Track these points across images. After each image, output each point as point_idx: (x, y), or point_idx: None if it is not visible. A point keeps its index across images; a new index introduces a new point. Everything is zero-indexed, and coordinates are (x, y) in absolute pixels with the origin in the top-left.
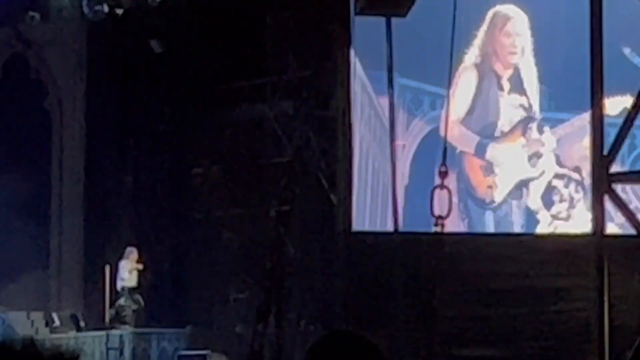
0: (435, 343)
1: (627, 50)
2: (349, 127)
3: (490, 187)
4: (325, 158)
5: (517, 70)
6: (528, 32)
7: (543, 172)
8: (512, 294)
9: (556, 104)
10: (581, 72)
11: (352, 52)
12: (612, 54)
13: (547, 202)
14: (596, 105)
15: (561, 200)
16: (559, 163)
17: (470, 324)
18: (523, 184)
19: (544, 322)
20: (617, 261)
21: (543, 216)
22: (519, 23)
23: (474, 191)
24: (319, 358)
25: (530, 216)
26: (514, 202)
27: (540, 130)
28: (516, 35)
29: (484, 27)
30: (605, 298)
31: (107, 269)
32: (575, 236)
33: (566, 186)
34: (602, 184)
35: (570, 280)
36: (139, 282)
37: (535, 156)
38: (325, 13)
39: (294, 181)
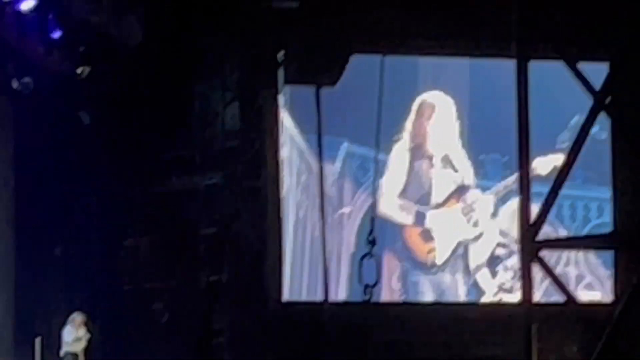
0: None
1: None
2: (278, 196)
3: (430, 251)
4: (255, 228)
5: (447, 152)
6: (454, 116)
7: (482, 234)
8: None
9: (490, 173)
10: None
11: (286, 117)
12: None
13: (492, 272)
14: (523, 176)
15: (505, 270)
16: (502, 233)
17: None
18: (463, 247)
19: None
20: (549, 329)
21: (488, 287)
22: (444, 109)
23: (415, 258)
24: None
25: (475, 287)
26: (458, 271)
27: (475, 195)
28: (443, 122)
29: (412, 116)
30: None
31: (38, 340)
32: (505, 305)
33: (509, 256)
34: (529, 252)
35: (501, 349)
36: (87, 348)
37: (472, 218)
38: (254, 80)
39: (224, 252)
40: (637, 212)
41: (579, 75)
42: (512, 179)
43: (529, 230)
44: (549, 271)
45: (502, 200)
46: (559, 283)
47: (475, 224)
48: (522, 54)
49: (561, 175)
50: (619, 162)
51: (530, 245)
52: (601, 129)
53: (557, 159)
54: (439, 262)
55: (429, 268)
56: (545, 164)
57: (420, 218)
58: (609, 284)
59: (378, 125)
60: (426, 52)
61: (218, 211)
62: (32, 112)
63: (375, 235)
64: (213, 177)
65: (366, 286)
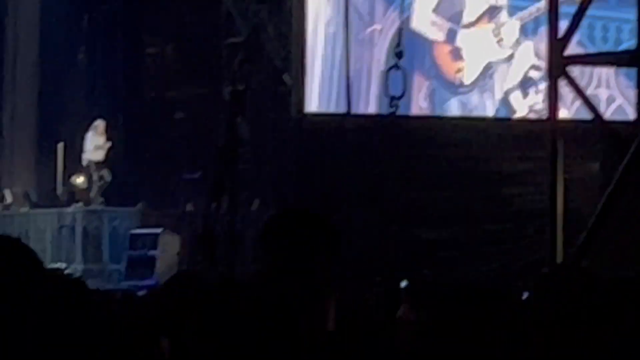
0: (388, 224)
1: None
2: (303, 8)
3: (459, 70)
4: (280, 39)
5: None
6: None
7: (512, 55)
8: (468, 177)
9: None
10: None
11: None
12: None
13: (524, 93)
14: None
15: (537, 92)
16: (537, 55)
17: (424, 206)
18: (492, 68)
19: (500, 205)
20: (573, 146)
21: (519, 105)
22: None
23: (443, 76)
24: (275, 235)
25: (505, 106)
26: (486, 91)
27: (505, 17)
28: None
29: None
30: (559, 182)
31: (61, 146)
32: (531, 121)
33: (542, 78)
34: (557, 67)
35: (527, 165)
36: (107, 156)
37: (503, 40)
38: None
39: (248, 61)
40: None
41: None
42: (543, 3)
43: (556, 44)
44: (575, 87)
45: (539, 22)
46: (585, 99)
47: (505, 46)
48: None
49: None
50: None
51: (558, 60)
52: None
53: None
54: (467, 81)
55: (456, 87)
56: None
57: (451, 36)
58: None
59: None
60: None
61: (243, 21)
62: None
63: (403, 48)
64: None
65: (392, 98)
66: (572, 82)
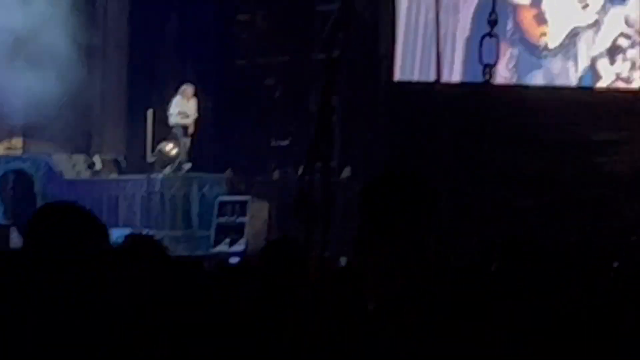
0: (484, 191)
1: None
2: None
3: (543, 34)
4: (370, 6)
5: None
6: None
7: (598, 21)
8: (563, 145)
9: None
10: None
11: None
12: None
13: (611, 60)
14: None
15: (624, 60)
16: (627, 23)
17: (520, 172)
18: (578, 33)
19: (596, 172)
20: None
21: (606, 72)
22: None
23: (528, 40)
24: (376, 196)
25: (590, 73)
26: (570, 57)
27: None
28: None
29: None
30: None
31: (150, 113)
32: (622, 91)
33: (632, 46)
34: None
35: (622, 134)
36: (197, 120)
37: (589, 5)
38: None
39: (339, 29)
40: None
41: None
42: None
43: None
44: None
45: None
46: None
47: (591, 11)
48: None
49: None
50: None
51: None
52: None
53: None
54: (551, 45)
55: (540, 51)
56: None
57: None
58: None
59: None
60: None
61: None
62: None
63: (497, 15)
64: None
65: (486, 66)
66: None
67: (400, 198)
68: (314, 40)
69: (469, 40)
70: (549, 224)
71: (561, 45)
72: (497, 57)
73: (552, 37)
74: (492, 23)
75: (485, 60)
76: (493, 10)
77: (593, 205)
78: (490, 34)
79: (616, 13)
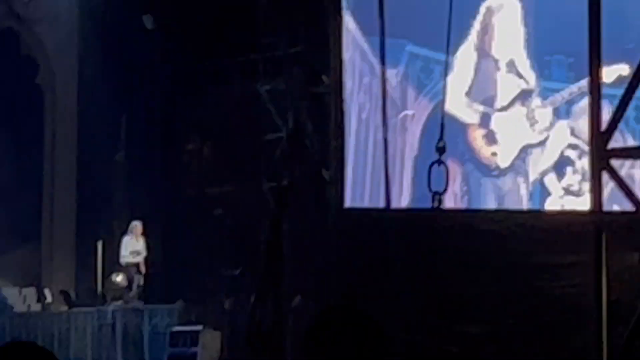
0: (431, 319)
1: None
2: (341, 101)
3: (494, 154)
4: (318, 134)
5: (512, 57)
6: (520, 20)
7: (547, 138)
8: (510, 271)
9: (554, 74)
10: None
11: (349, 20)
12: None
13: (559, 174)
14: (594, 81)
15: (574, 172)
16: (574, 134)
17: (467, 300)
18: (527, 151)
19: (542, 299)
20: (616, 238)
21: (555, 189)
22: (511, 13)
23: (478, 159)
24: (320, 335)
25: (539, 189)
26: (521, 175)
27: (538, 101)
28: (509, 26)
29: (479, 17)
30: (603, 274)
31: (100, 244)
32: (574, 213)
33: (579, 157)
34: (600, 160)
35: (569, 257)
36: (146, 260)
37: (537, 123)
38: None
39: (288, 157)
40: None
41: None
42: (579, 86)
43: (599, 137)
44: (619, 180)
45: (572, 102)
46: (628, 191)
47: (540, 129)
48: None
49: (633, 82)
50: None
51: (601, 154)
52: None
53: (622, 69)
54: (502, 165)
55: (491, 170)
56: (610, 73)
57: (485, 119)
58: None
59: (449, 27)
60: None
61: (281, 117)
62: (96, 14)
63: (445, 142)
64: (276, 82)
65: (435, 193)
66: (615, 175)
67: (343, 335)
68: (263, 169)
69: (417, 159)
70: (502, 351)
71: (512, 164)
72: (447, 185)
73: (503, 156)
74: (441, 150)
75: (434, 187)
76: (441, 138)
77: (544, 331)
78: (439, 162)
79: (562, 126)
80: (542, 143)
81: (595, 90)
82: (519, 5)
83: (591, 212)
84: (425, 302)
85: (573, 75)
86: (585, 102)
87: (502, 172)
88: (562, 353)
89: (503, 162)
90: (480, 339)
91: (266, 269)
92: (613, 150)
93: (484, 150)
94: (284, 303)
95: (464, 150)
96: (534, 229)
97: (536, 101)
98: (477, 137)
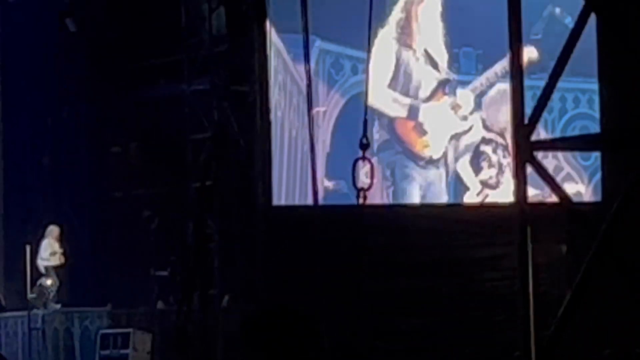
0: (360, 316)
1: (557, 10)
2: (266, 100)
3: (425, 145)
4: (244, 133)
5: (426, 47)
6: (439, 11)
7: (472, 127)
8: (437, 265)
9: (464, 67)
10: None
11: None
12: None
13: (476, 168)
14: (515, 72)
15: (490, 166)
16: (486, 127)
17: (396, 295)
18: (455, 140)
19: (470, 292)
20: (542, 230)
21: (472, 183)
22: (431, 5)
23: (411, 151)
24: (255, 333)
25: (459, 183)
26: (447, 166)
27: (457, 89)
28: (429, 16)
29: (399, 7)
30: (529, 267)
31: (28, 248)
32: (498, 206)
33: (494, 151)
34: (524, 153)
35: (495, 250)
36: (65, 260)
37: (462, 111)
38: None
39: (214, 157)
40: (624, 112)
41: None
42: (492, 73)
43: (523, 130)
44: (543, 172)
45: (482, 93)
46: (552, 183)
47: (464, 118)
48: None
49: (554, 74)
50: (605, 61)
51: (525, 145)
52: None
53: (530, 52)
54: (435, 156)
55: (422, 161)
56: None
57: (414, 111)
58: (586, 176)
59: (370, 21)
60: None
61: (206, 117)
62: (17, 20)
63: (369, 136)
64: (200, 82)
65: (360, 189)
66: (539, 168)
67: (277, 334)
68: (189, 169)
69: (329, 156)
70: (434, 345)
71: (444, 154)
72: (372, 182)
73: (435, 147)
74: (364, 147)
75: (359, 184)
76: (364, 135)
77: (473, 325)
78: (363, 158)
79: (476, 118)
80: (467, 131)
81: (518, 82)
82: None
83: (515, 205)
84: (354, 299)
85: (482, 67)
86: (494, 93)
87: (430, 164)
88: (491, 346)
89: (435, 153)
90: (409, 334)
91: (192, 270)
92: (537, 142)
93: (415, 142)
94: (213, 303)
95: (394, 141)
96: (459, 223)
97: (457, 89)
98: (407, 129)
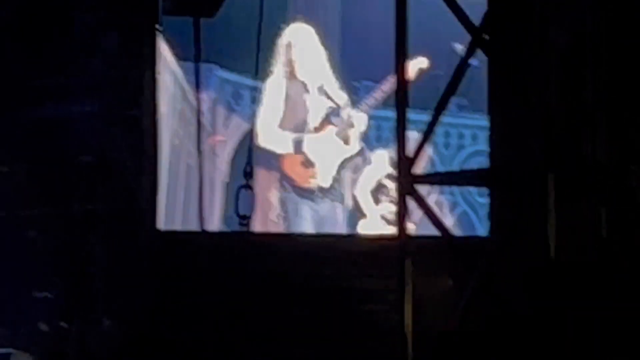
0: (245, 342)
1: (458, 47)
2: (154, 125)
3: (313, 177)
4: (132, 157)
5: (322, 82)
6: (317, 44)
7: (362, 150)
8: (321, 295)
9: (363, 100)
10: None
11: (162, 43)
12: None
13: (376, 200)
14: (400, 109)
15: (390, 201)
16: (393, 164)
17: (279, 324)
18: (346, 166)
19: (355, 323)
20: (428, 263)
21: (370, 211)
22: (305, 39)
23: (297, 186)
24: None
25: (355, 210)
26: (337, 198)
27: (348, 114)
28: (307, 51)
29: (283, 42)
30: (408, 300)
31: None
32: (383, 238)
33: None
34: (405, 185)
35: (379, 282)
36: None
37: (350, 136)
38: (134, 11)
39: (99, 180)
40: (512, 149)
41: (457, 10)
42: (379, 91)
43: (405, 163)
44: (424, 206)
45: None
46: (434, 218)
47: (353, 143)
48: None
49: (439, 108)
50: (495, 97)
51: (407, 179)
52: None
53: (421, 62)
54: (324, 185)
55: (311, 194)
56: (411, 67)
57: (299, 145)
58: (484, 212)
59: (257, 54)
60: None
61: (94, 139)
62: None
63: (253, 166)
64: (89, 104)
65: (243, 217)
66: (420, 201)
67: None
68: (74, 192)
69: (227, 185)
70: None
71: (333, 183)
72: (253, 209)
73: (323, 176)
74: (248, 175)
75: (242, 211)
76: (248, 162)
77: (356, 356)
78: (246, 186)
79: (382, 154)
80: (359, 153)
81: (402, 113)
82: (311, 29)
83: (396, 237)
84: (237, 326)
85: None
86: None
87: (322, 195)
88: None
89: (324, 182)
90: None
91: (72, 292)
92: (418, 176)
93: (302, 176)
94: (92, 326)
95: (281, 177)
96: (347, 253)
97: (346, 113)
98: (293, 164)
